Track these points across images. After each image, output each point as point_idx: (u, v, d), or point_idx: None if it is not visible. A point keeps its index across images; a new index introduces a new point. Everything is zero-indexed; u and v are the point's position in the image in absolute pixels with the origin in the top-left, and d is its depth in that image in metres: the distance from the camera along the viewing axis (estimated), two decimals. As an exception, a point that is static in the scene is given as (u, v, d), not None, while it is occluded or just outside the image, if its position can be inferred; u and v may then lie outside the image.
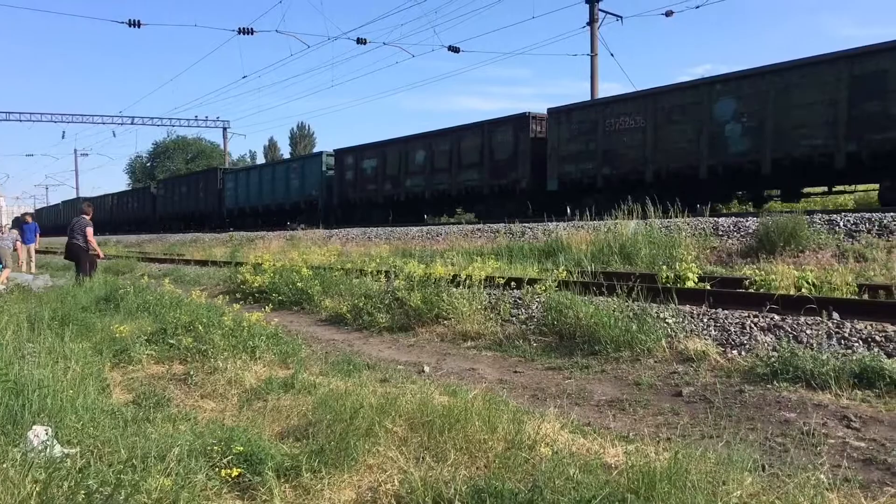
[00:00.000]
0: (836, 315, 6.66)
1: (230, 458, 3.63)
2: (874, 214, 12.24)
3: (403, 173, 27.98)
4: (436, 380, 6.09)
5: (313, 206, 33.48)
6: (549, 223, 17.24)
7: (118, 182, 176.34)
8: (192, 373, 6.12)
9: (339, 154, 31.84)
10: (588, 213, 16.90)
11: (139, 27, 30.37)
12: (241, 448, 3.70)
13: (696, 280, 9.53)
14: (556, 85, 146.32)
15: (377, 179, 29.41)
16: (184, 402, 5.40)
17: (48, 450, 3.63)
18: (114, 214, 57.62)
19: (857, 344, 5.96)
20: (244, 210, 38.97)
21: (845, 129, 14.99)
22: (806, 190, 18.56)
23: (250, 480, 3.57)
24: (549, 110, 21.93)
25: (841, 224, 12.15)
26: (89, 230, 14.55)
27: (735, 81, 17.13)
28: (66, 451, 3.72)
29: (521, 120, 22.99)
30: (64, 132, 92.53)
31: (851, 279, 8.61)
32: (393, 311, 9.45)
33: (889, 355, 5.64)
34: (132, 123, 60.09)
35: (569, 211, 18.62)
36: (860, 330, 6.17)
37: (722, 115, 17.16)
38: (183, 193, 46.66)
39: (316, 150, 63.63)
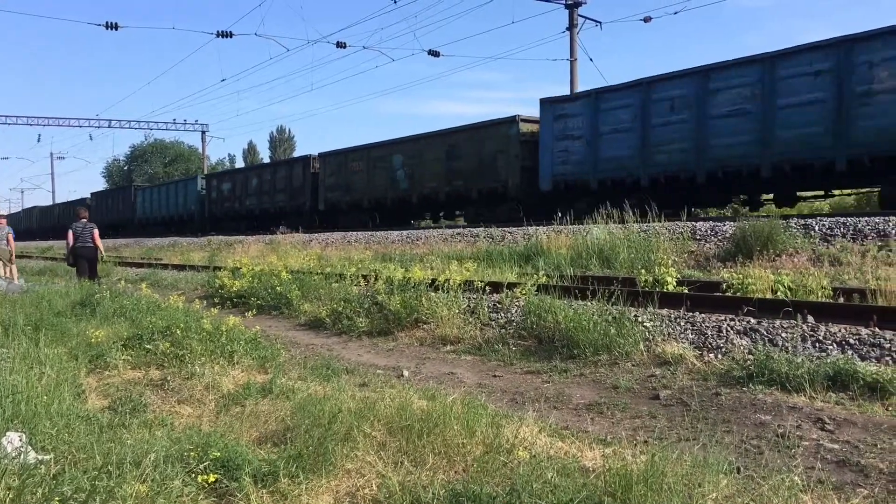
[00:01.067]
0: (811, 318, 6.74)
1: (207, 463, 3.61)
2: (849, 219, 12.40)
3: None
4: (415, 384, 6.09)
5: (191, 218, 41.99)
6: (529, 227, 17.29)
7: (95, 185, 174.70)
8: (168, 378, 6.07)
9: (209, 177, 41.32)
10: (568, 218, 16.96)
11: (116, 29, 30.14)
12: (218, 454, 3.68)
13: (675, 284, 9.60)
14: (536, 89, 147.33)
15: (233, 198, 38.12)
16: (160, 407, 5.35)
17: (22, 456, 3.59)
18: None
19: (831, 347, 6.04)
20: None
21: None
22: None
23: (227, 486, 3.54)
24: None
25: (816, 228, 12.30)
26: (96, 233, 15.28)
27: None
28: (40, 457, 3.68)
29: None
30: (40, 135, 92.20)
31: (826, 283, 8.72)
32: (372, 316, 9.43)
33: (863, 358, 5.71)
34: (109, 126, 59.60)
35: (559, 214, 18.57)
36: (834, 333, 6.24)
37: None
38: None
39: (296, 153, 63.79)
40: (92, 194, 59.06)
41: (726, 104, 16.75)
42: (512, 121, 22.52)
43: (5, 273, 18.08)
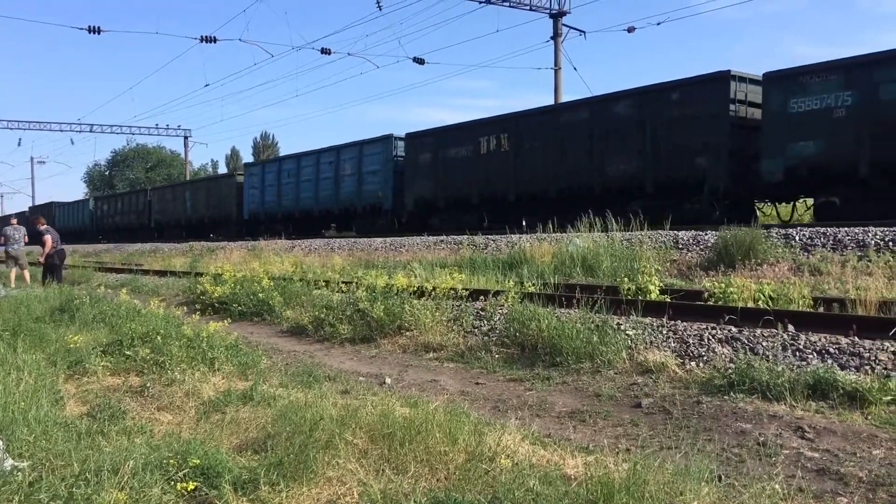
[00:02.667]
0: (791, 327, 6.79)
1: (186, 471, 3.57)
2: (829, 229, 12.52)
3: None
4: (397, 391, 6.07)
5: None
6: (513, 235, 17.31)
7: (76, 191, 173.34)
8: (148, 385, 6.01)
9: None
10: (551, 226, 16.99)
11: (99, 33, 29.98)
12: (198, 461, 3.64)
13: (658, 292, 9.64)
14: (521, 97, 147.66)
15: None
16: (140, 414, 5.30)
17: (-2, 463, 3.54)
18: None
19: (811, 356, 6.08)
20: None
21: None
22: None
23: (207, 494, 3.51)
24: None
25: (797, 238, 12.40)
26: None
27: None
28: (16, 464, 3.63)
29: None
30: (20, 139, 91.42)
31: (807, 292, 8.79)
32: (355, 323, 9.40)
33: (842, 367, 5.75)
34: (91, 131, 59.12)
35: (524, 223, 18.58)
36: (815, 342, 6.29)
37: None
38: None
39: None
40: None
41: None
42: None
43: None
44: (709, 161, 17.07)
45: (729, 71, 16.98)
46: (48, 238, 16.15)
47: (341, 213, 28.90)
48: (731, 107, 16.87)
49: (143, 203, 46.30)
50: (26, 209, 64.65)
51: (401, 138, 26.45)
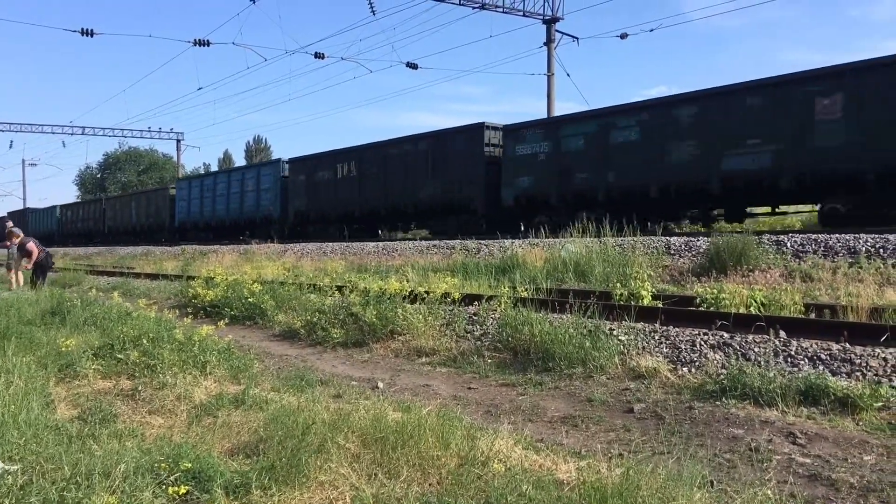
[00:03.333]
0: (783, 333, 6.81)
1: (178, 475, 3.56)
2: (820, 235, 12.58)
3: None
4: (390, 396, 6.06)
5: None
6: (505, 240, 17.34)
7: (68, 193, 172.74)
8: (140, 388, 5.98)
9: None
10: (543, 231, 17.05)
11: (92, 36, 30.01)
12: (190, 465, 3.63)
13: (650, 298, 9.66)
14: (513, 102, 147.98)
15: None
16: (131, 417, 5.27)
17: (-13, 467, 3.52)
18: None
19: (803, 362, 6.10)
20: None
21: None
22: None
23: (198, 498, 3.49)
24: None
25: (788, 245, 12.46)
26: None
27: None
28: (7, 467, 3.60)
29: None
30: (12, 141, 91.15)
31: (798, 298, 8.82)
32: (347, 327, 9.38)
33: (834, 373, 5.77)
34: (83, 134, 59.14)
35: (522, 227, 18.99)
36: (806, 348, 6.31)
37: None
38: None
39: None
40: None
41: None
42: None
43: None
44: (473, 189, 23.32)
45: (483, 123, 23.39)
46: (33, 244, 16.24)
47: (245, 222, 34.44)
48: (486, 149, 23.07)
49: (99, 211, 51.07)
50: (5, 214, 65.60)
51: (286, 162, 32.50)
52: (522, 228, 21.94)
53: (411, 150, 25.73)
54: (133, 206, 46.58)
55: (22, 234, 16.81)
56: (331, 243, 24.75)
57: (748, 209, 19.07)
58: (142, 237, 43.61)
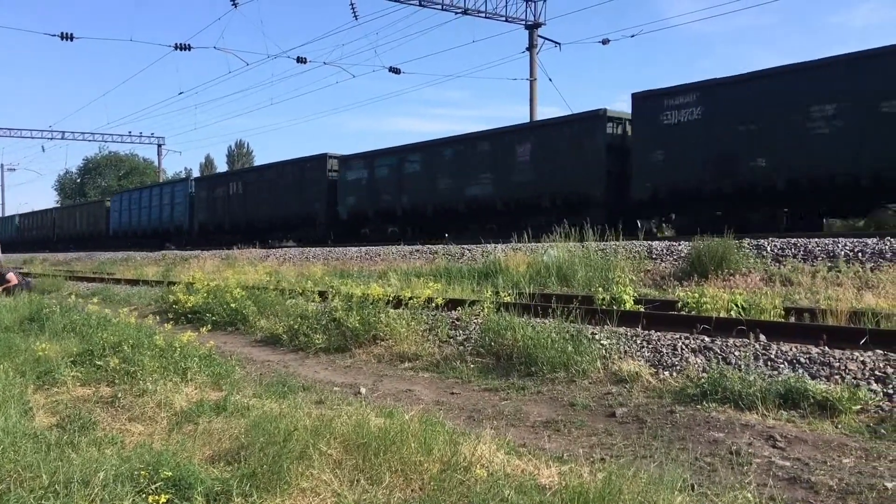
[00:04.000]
0: (763, 337, 6.86)
1: (159, 483, 3.53)
2: (799, 240, 12.69)
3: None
4: (372, 401, 6.04)
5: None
6: (488, 245, 17.37)
7: (47, 198, 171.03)
8: (119, 395, 5.93)
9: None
10: (527, 235, 17.10)
11: (72, 40, 29.78)
12: (170, 473, 3.60)
13: (633, 302, 9.70)
14: (496, 107, 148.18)
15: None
16: (111, 425, 5.22)
17: (-37, 476, 3.47)
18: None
19: (782, 365, 6.14)
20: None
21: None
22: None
23: (179, 506, 3.47)
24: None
25: (768, 249, 12.56)
26: None
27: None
28: (-18, 477, 3.56)
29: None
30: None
31: (778, 302, 8.89)
32: (330, 332, 9.35)
33: (813, 376, 5.82)
34: (62, 138, 58.87)
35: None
36: (786, 352, 6.36)
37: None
38: None
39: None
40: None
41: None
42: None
43: None
44: (319, 206, 29.41)
45: (325, 154, 29.61)
46: (11, 276, 16.33)
47: (164, 232, 39.61)
48: (329, 174, 29.21)
49: (49, 220, 56.09)
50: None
51: (193, 180, 40.89)
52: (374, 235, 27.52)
53: (279, 175, 32.11)
54: (77, 215, 52.13)
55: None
56: (313, 248, 24.69)
57: (485, 224, 23.51)
58: (82, 244, 48.27)
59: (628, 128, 19.63)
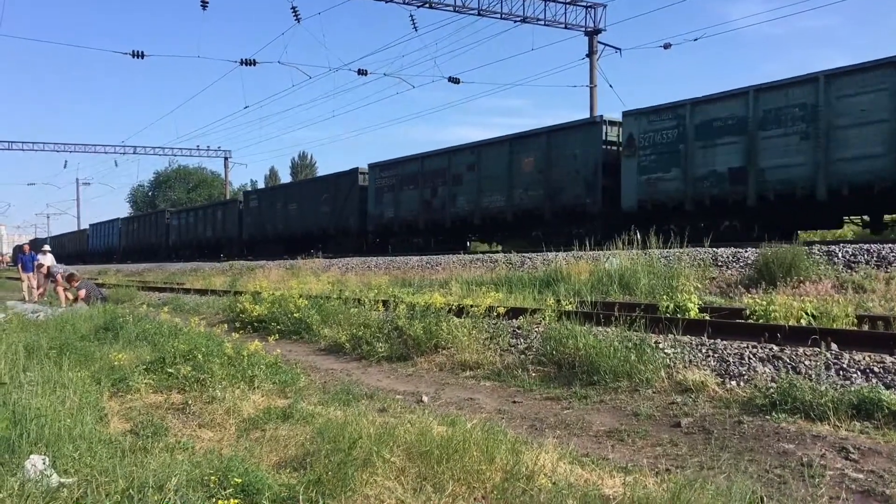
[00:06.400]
0: (834, 346, 6.66)
1: (229, 490, 3.61)
2: (872, 246, 12.29)
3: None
4: (434, 409, 6.07)
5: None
6: (549, 253, 17.28)
7: (120, 211, 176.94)
8: (190, 402, 6.10)
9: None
10: (588, 243, 16.96)
11: (143, 58, 30.78)
12: (239, 479, 3.69)
13: (697, 310, 9.52)
14: (556, 115, 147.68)
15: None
16: (182, 431, 5.38)
17: (45, 480, 3.62)
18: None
19: (855, 375, 5.96)
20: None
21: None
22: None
23: (247, 511, 3.55)
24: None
25: (840, 255, 12.19)
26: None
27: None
28: (63, 480, 3.71)
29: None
30: (66, 161, 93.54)
31: (850, 310, 8.62)
32: (392, 341, 9.43)
33: (887, 386, 5.63)
34: (134, 153, 60.66)
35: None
36: (858, 361, 6.16)
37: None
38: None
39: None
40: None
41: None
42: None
43: (28, 299, 18.70)
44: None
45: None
46: (83, 292, 17.02)
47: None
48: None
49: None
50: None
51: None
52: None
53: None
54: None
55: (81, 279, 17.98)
56: (374, 258, 24.94)
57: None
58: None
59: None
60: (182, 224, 49.07)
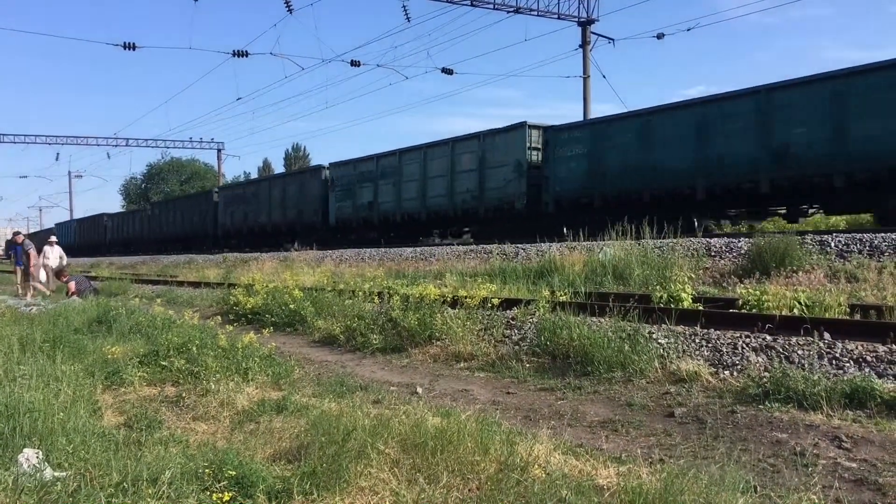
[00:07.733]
0: (827, 335, 6.68)
1: (224, 482, 3.61)
2: (865, 235, 12.32)
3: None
4: (429, 401, 6.08)
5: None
6: (543, 244, 17.29)
7: (113, 203, 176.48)
8: (184, 395, 6.10)
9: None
10: (582, 234, 16.96)
11: (134, 50, 30.55)
12: (233, 472, 3.69)
13: (691, 300, 9.54)
14: (549, 106, 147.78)
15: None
16: (176, 424, 5.38)
17: (39, 473, 3.61)
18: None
19: (848, 364, 5.98)
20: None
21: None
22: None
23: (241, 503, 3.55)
24: None
25: (832, 245, 12.22)
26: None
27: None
28: (56, 474, 3.70)
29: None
30: (58, 154, 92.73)
31: (843, 299, 8.64)
32: (386, 332, 9.43)
33: (880, 375, 5.66)
34: (127, 145, 60.28)
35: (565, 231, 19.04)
36: (851, 350, 6.19)
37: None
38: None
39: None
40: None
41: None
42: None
43: (23, 289, 18.58)
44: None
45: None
46: (72, 284, 16.92)
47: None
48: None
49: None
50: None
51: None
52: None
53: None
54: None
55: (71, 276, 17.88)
56: (368, 249, 24.94)
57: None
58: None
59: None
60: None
